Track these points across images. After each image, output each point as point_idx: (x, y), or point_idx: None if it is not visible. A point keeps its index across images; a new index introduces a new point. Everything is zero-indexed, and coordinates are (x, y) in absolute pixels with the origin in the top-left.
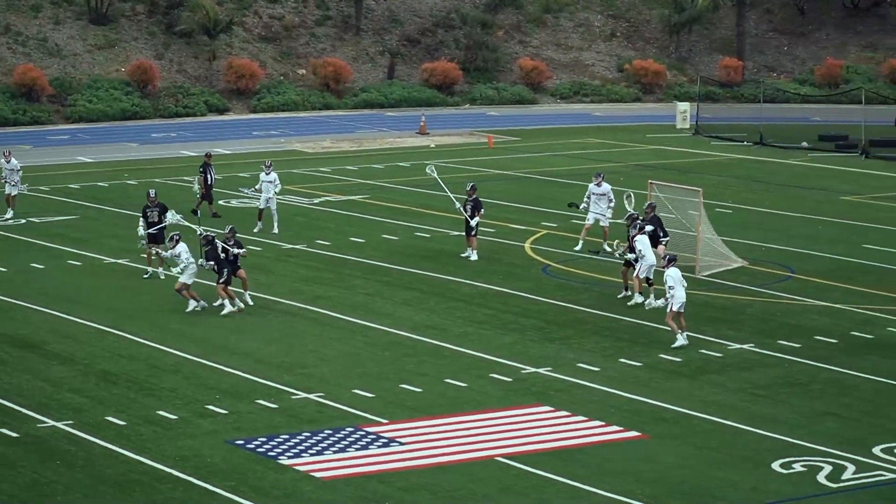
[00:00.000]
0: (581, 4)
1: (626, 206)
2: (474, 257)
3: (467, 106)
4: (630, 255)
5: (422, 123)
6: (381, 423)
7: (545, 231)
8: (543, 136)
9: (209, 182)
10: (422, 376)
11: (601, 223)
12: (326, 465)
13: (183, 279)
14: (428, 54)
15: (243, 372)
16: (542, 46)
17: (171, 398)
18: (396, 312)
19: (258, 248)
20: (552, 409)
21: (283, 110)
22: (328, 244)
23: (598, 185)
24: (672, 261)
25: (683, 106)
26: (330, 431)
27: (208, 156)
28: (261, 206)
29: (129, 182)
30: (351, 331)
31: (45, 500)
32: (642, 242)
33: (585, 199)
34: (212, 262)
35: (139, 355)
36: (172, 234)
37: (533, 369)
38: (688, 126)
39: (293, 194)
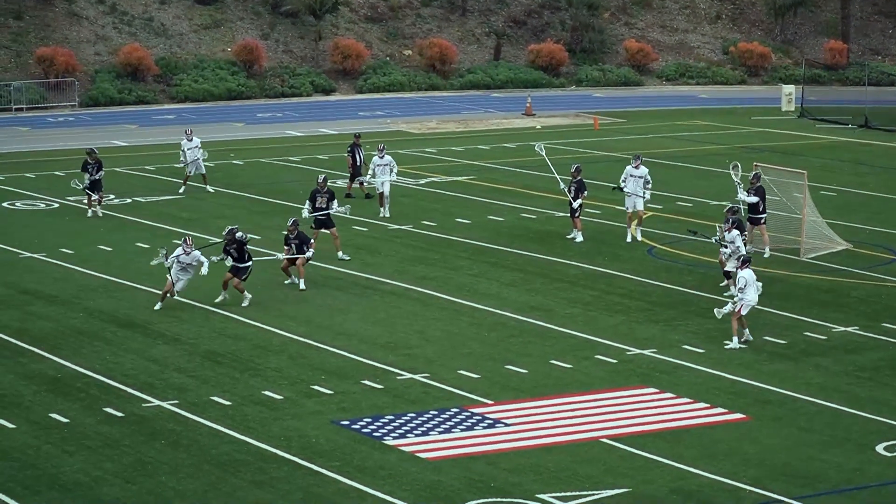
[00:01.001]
0: None
1: (733, 175)
2: (579, 238)
3: (573, 87)
4: (724, 250)
5: (528, 104)
6: (486, 404)
7: (651, 213)
8: (649, 117)
9: (357, 163)
10: (527, 357)
11: (637, 206)
12: (432, 445)
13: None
14: (534, 36)
15: (348, 352)
16: (648, 28)
17: (277, 378)
18: (502, 293)
19: (365, 229)
20: (657, 390)
21: (389, 91)
22: (434, 225)
23: (637, 167)
24: (747, 262)
25: (789, 88)
26: (435, 412)
27: (357, 136)
28: (379, 190)
29: (235, 162)
30: (456, 311)
31: (150, 479)
32: (735, 237)
33: (622, 182)
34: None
35: (244, 335)
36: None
37: (638, 351)
38: (793, 109)
39: (399, 175)
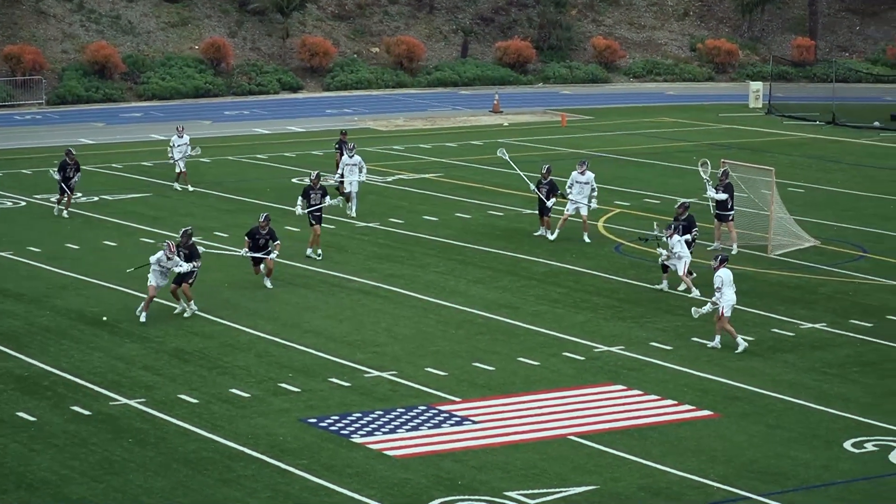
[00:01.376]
0: None
1: (702, 173)
2: (552, 237)
3: (541, 84)
4: (662, 251)
5: (495, 102)
6: (453, 402)
7: (618, 210)
8: (616, 115)
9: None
10: (494, 355)
11: (581, 212)
12: (399, 443)
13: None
14: (501, 33)
15: (316, 350)
16: (616, 25)
17: (244, 376)
18: (469, 291)
19: (332, 227)
20: (625, 387)
21: (357, 88)
22: (401, 222)
23: (582, 173)
24: (724, 261)
25: (756, 85)
26: (402, 410)
27: (343, 133)
28: (347, 190)
29: (202, 160)
30: (423, 309)
31: (117, 477)
32: (675, 243)
33: (568, 188)
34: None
35: (212, 333)
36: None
37: (606, 348)
38: (760, 105)
39: (367, 172)
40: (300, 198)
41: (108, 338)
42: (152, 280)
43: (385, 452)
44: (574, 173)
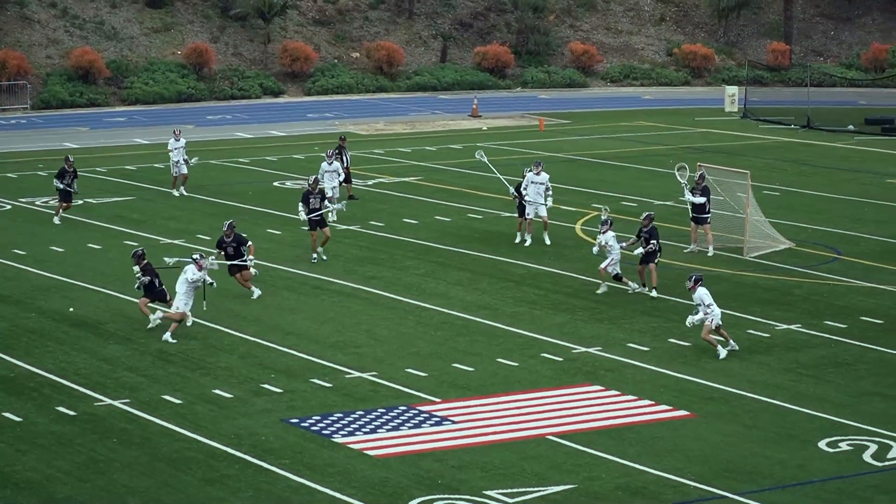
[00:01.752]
0: None
1: (678, 176)
2: (527, 243)
3: (519, 89)
4: (640, 249)
5: (474, 106)
6: (433, 402)
7: (595, 212)
8: (594, 118)
9: (345, 164)
10: (474, 356)
11: (540, 212)
12: (380, 443)
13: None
14: (480, 38)
15: (298, 351)
16: (593, 30)
17: (227, 377)
18: (449, 293)
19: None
20: (602, 388)
21: (337, 93)
22: (382, 225)
23: (537, 173)
24: (699, 281)
25: (732, 89)
26: (383, 410)
27: (342, 139)
28: (328, 195)
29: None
30: (404, 311)
31: (102, 477)
32: (609, 238)
33: (524, 189)
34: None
35: (195, 335)
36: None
37: (583, 349)
38: (736, 109)
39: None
40: (300, 203)
41: (93, 339)
42: (182, 306)
43: (366, 452)
44: (529, 174)
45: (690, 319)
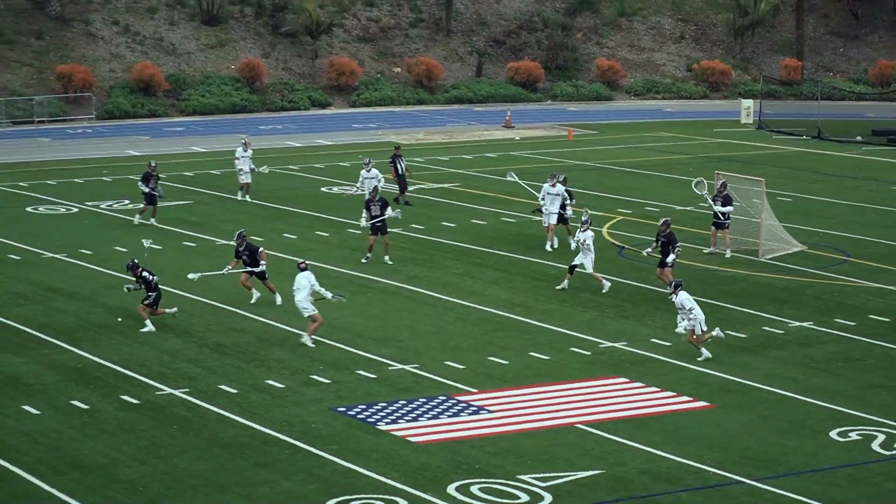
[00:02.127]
0: (653, 9)
1: (698, 191)
2: (551, 248)
3: (549, 102)
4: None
5: (507, 117)
6: (471, 393)
7: (621, 217)
8: (619, 129)
9: (399, 172)
10: (508, 350)
11: (551, 221)
12: (421, 430)
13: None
14: (513, 54)
15: (344, 345)
16: (618, 47)
17: (279, 368)
18: (485, 291)
19: (357, 232)
20: (628, 380)
21: (380, 105)
22: (422, 228)
23: (553, 185)
24: (679, 286)
25: (747, 102)
26: (424, 400)
27: (398, 148)
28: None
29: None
30: (443, 307)
31: (163, 461)
32: (587, 237)
33: (541, 200)
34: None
35: (249, 329)
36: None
37: (610, 344)
38: (751, 121)
39: (390, 182)
40: (363, 210)
41: (155, 333)
42: (313, 310)
43: (408, 439)
44: (546, 186)
45: (679, 328)
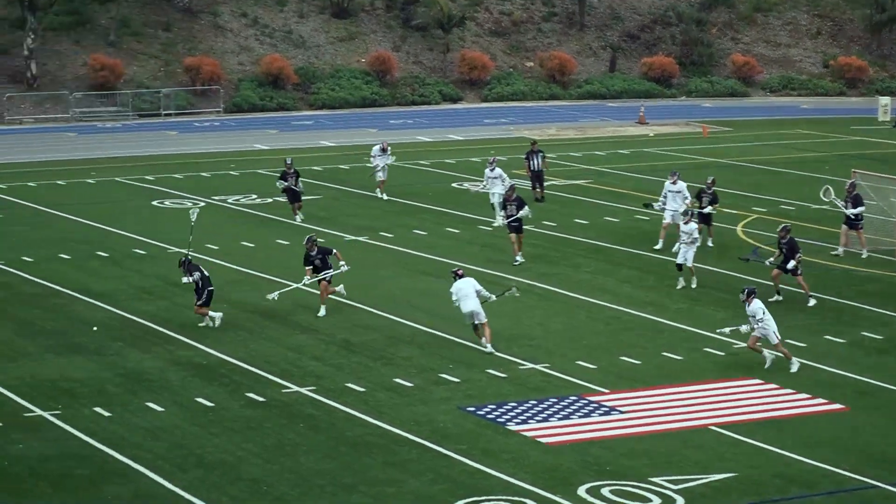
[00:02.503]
0: (789, 4)
1: (825, 198)
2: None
3: (683, 97)
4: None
5: (641, 113)
6: (602, 393)
7: (756, 215)
8: (754, 126)
9: (533, 168)
10: (640, 349)
11: (677, 220)
12: (551, 431)
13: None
14: (647, 49)
15: (474, 343)
16: (753, 43)
17: (407, 366)
18: (617, 289)
19: (488, 229)
20: (761, 381)
21: (512, 100)
22: (554, 225)
23: (674, 182)
24: (752, 293)
25: (885, 100)
26: (554, 399)
27: (534, 143)
28: (492, 201)
29: (368, 165)
30: (575, 306)
31: (289, 459)
32: (692, 230)
33: (662, 198)
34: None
35: (376, 326)
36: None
37: (743, 344)
38: (889, 119)
39: (522, 177)
40: (500, 209)
41: (281, 329)
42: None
43: (538, 439)
44: (667, 183)
45: (743, 328)
